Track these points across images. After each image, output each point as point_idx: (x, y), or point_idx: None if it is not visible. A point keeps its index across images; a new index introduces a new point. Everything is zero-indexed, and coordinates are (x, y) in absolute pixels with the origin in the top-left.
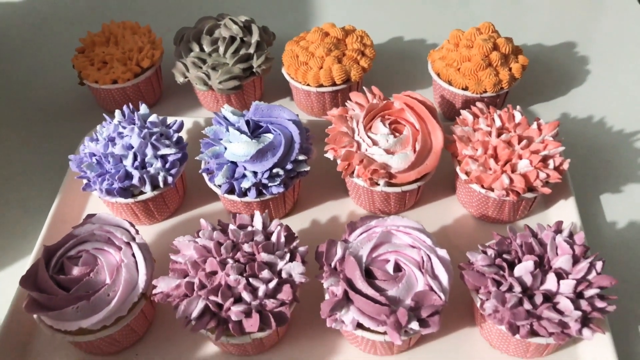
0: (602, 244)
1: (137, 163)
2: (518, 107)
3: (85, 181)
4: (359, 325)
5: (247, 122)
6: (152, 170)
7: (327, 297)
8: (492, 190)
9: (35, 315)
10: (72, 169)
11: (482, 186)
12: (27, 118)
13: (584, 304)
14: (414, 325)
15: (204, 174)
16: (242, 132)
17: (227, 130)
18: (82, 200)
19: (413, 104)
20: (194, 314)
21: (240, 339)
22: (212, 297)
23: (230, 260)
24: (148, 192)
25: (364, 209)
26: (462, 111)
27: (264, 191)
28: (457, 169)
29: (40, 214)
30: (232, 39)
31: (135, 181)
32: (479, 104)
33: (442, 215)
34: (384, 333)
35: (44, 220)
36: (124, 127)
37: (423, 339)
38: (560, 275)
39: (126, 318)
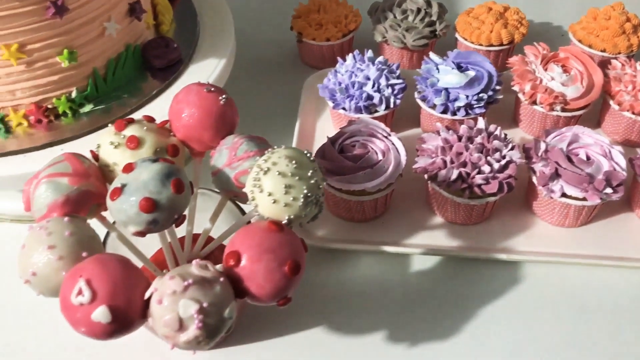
0: None
1: (375, 88)
2: None
3: (331, 103)
4: (563, 195)
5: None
6: (385, 94)
7: (533, 178)
8: None
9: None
10: (320, 94)
11: (633, 112)
12: (259, 68)
13: None
14: (608, 190)
15: (419, 100)
16: (452, 68)
17: (437, 68)
18: (312, 120)
19: (576, 53)
20: (452, 178)
21: (479, 200)
22: (461, 169)
23: (470, 145)
24: (381, 111)
25: (530, 135)
26: (612, 60)
27: (470, 111)
28: (611, 102)
29: (286, 134)
30: (419, 9)
31: (375, 101)
32: (622, 57)
33: None
34: (583, 199)
35: (292, 138)
36: (361, 64)
37: (594, 218)
38: None
39: (392, 185)
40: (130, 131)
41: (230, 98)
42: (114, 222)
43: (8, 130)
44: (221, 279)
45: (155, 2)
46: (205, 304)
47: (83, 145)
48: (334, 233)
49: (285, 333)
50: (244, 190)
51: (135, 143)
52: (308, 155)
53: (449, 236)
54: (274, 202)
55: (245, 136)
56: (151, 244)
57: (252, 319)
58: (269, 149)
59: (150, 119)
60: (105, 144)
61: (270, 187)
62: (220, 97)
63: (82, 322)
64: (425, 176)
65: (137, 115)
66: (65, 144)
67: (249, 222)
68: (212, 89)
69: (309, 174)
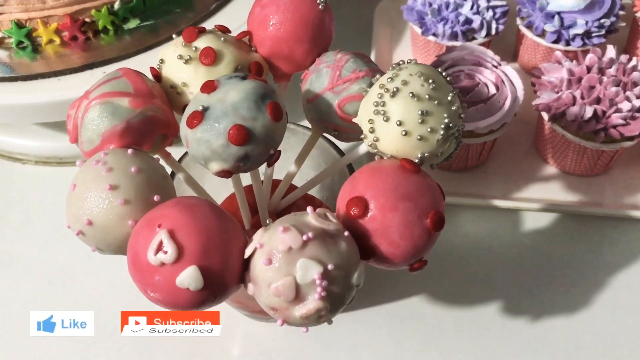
0: None
1: (474, 10)
2: None
3: (418, 28)
4: None
5: None
6: (487, 17)
7: None
8: None
9: None
10: (405, 18)
11: None
12: None
13: None
14: None
15: (523, 28)
16: None
17: None
18: (388, 51)
19: None
20: (585, 117)
21: (612, 145)
22: (595, 106)
23: (604, 78)
24: (480, 38)
25: None
26: None
27: (587, 41)
28: None
29: None
30: None
31: (475, 25)
32: None
33: None
34: None
35: None
36: None
37: None
38: None
39: (505, 126)
40: (203, 42)
41: (328, 3)
42: (179, 160)
43: (36, 49)
44: (345, 233)
45: None
46: (330, 266)
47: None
48: None
49: (382, 302)
50: (353, 121)
51: (211, 57)
52: (444, 74)
53: (567, 189)
54: (405, 134)
55: (349, 52)
56: (216, 192)
57: None
58: (394, 65)
59: (225, 30)
60: (172, 58)
61: (400, 113)
62: (318, 1)
63: (162, 287)
64: (545, 115)
65: None
66: (105, 67)
67: (349, 166)
68: None
69: (449, 98)
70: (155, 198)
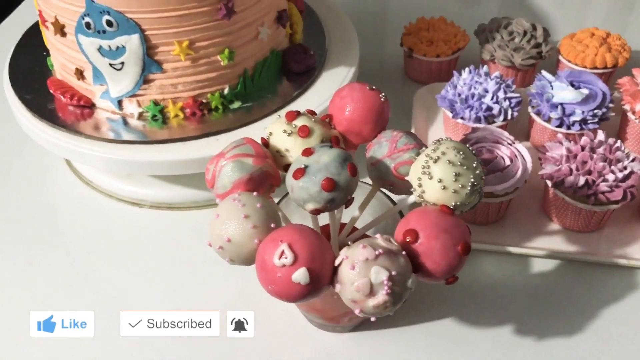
0: None
1: (494, 100)
2: None
3: (450, 112)
4: None
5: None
6: (504, 106)
7: None
8: None
9: None
10: (439, 105)
11: None
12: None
13: None
14: None
15: (533, 114)
16: (567, 85)
17: (551, 85)
18: (425, 130)
19: None
20: (579, 184)
21: (601, 207)
22: (587, 176)
23: (594, 155)
24: (499, 122)
25: (637, 154)
26: None
27: (584, 126)
28: None
29: None
30: (525, 32)
31: (495, 112)
32: None
33: None
34: None
35: None
36: (478, 78)
37: None
38: None
39: (518, 190)
40: (300, 121)
41: (387, 97)
42: (278, 202)
43: (164, 121)
44: (403, 252)
45: (289, 13)
46: (393, 272)
47: (231, 138)
48: None
49: (421, 322)
50: (406, 179)
51: (306, 132)
52: (470, 148)
53: (568, 241)
54: (444, 188)
55: (401, 131)
56: None
57: None
58: (434, 141)
59: (313, 113)
60: (278, 132)
61: (440, 174)
62: (380, 95)
63: (281, 282)
64: (549, 182)
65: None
66: (216, 136)
67: (400, 212)
68: (373, 87)
69: (474, 164)
70: (272, 225)
